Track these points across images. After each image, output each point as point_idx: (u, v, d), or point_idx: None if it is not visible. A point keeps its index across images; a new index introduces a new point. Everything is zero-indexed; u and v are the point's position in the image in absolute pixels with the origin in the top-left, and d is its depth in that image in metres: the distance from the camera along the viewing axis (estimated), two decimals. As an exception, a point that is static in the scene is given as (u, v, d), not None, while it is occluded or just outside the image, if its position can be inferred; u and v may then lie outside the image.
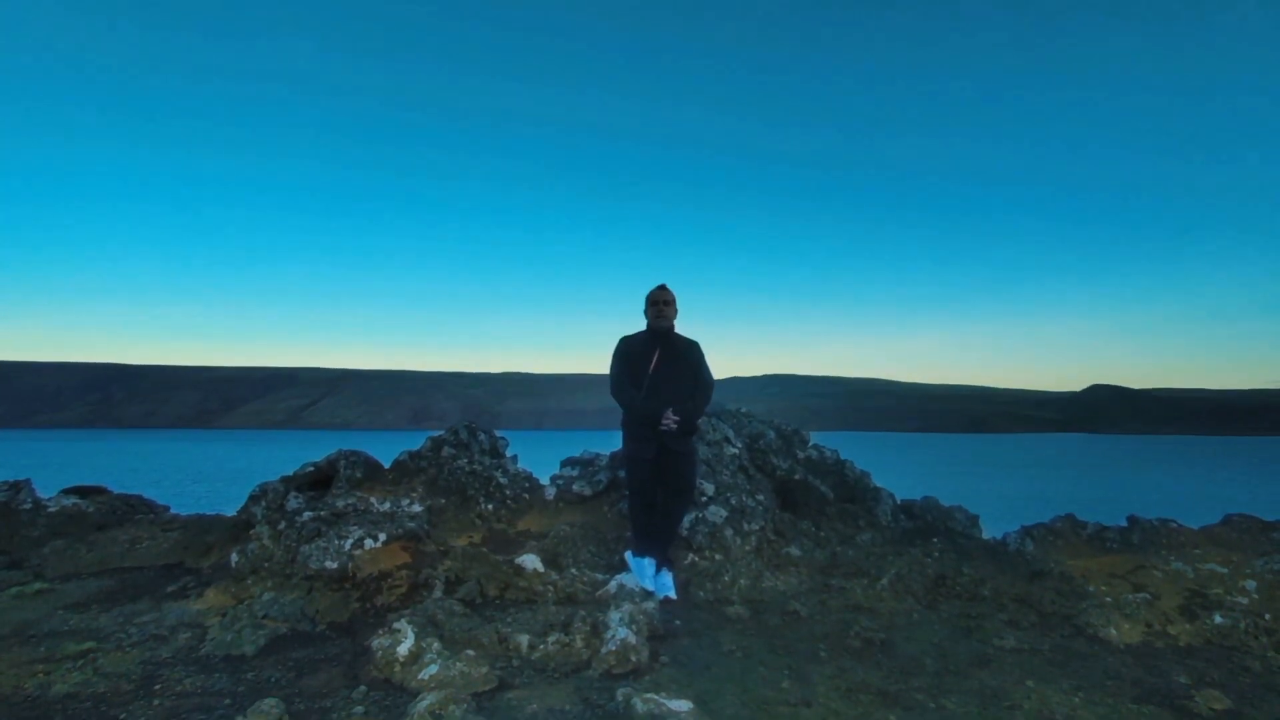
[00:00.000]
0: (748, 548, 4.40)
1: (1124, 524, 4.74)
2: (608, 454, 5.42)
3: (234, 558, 4.00)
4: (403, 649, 2.90)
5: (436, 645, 2.93)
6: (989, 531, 5.15)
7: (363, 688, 2.74)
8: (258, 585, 3.72)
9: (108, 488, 6.31)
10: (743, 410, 6.18)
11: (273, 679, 2.87)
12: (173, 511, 6.00)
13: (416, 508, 4.69)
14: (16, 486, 5.54)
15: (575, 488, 5.14)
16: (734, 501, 4.64)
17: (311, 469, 5.09)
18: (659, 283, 4.26)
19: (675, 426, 4.00)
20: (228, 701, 2.65)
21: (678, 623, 3.49)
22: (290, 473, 5.11)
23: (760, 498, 4.86)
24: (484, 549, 4.21)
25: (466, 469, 5.12)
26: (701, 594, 3.94)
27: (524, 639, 3.08)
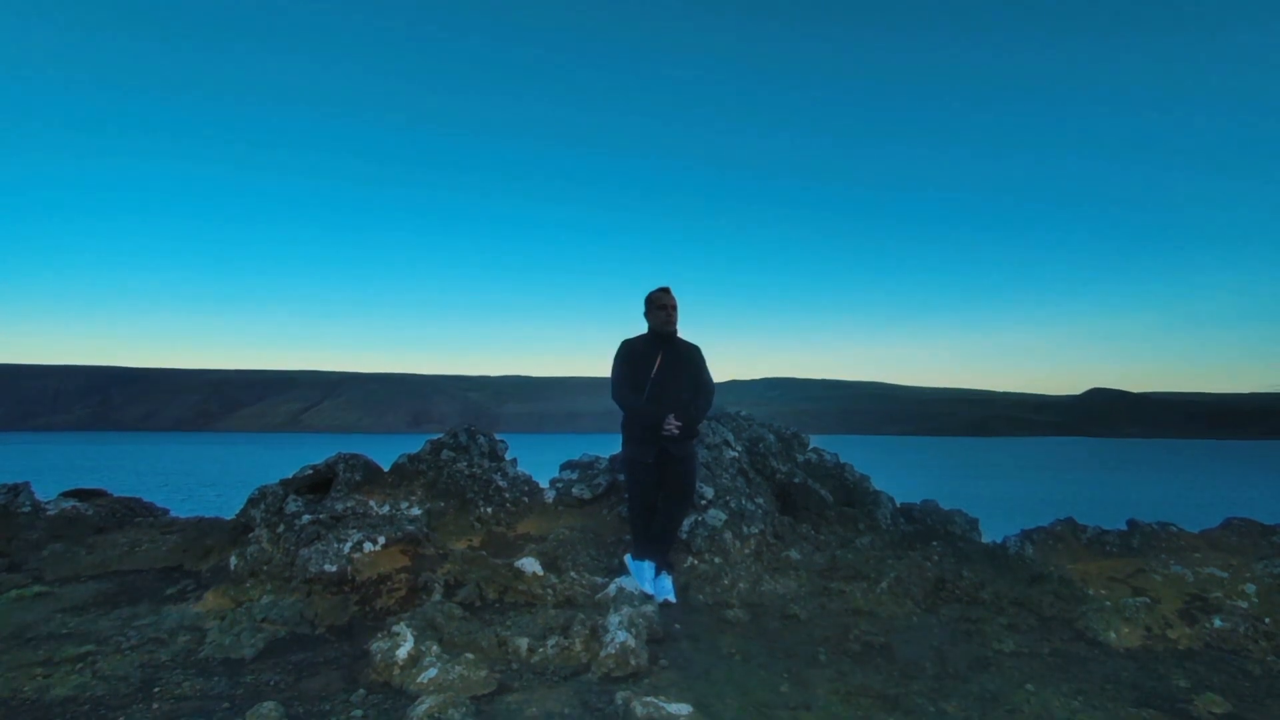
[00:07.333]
0: (747, 551, 4.40)
1: (1124, 527, 4.74)
2: (607, 457, 5.41)
3: (233, 561, 4.00)
4: (402, 652, 2.90)
5: (435, 648, 2.93)
6: (989, 535, 5.14)
7: (362, 691, 2.74)
8: (257, 588, 3.72)
9: (107, 491, 6.31)
10: (742, 414, 6.18)
11: (271, 682, 2.87)
12: (172, 514, 5.99)
13: (416, 511, 4.69)
14: (16, 489, 5.53)
15: (575, 491, 5.13)
16: (733, 505, 4.64)
17: (310, 472, 5.08)
18: (659, 285, 4.17)
19: (677, 431, 3.99)
20: (226, 705, 2.65)
21: (677, 626, 3.49)
22: (289, 476, 5.10)
23: (760, 501, 4.86)
24: (483, 552, 4.20)
25: (466, 472, 5.11)
26: (701, 597, 3.93)
27: (523, 642, 3.08)
